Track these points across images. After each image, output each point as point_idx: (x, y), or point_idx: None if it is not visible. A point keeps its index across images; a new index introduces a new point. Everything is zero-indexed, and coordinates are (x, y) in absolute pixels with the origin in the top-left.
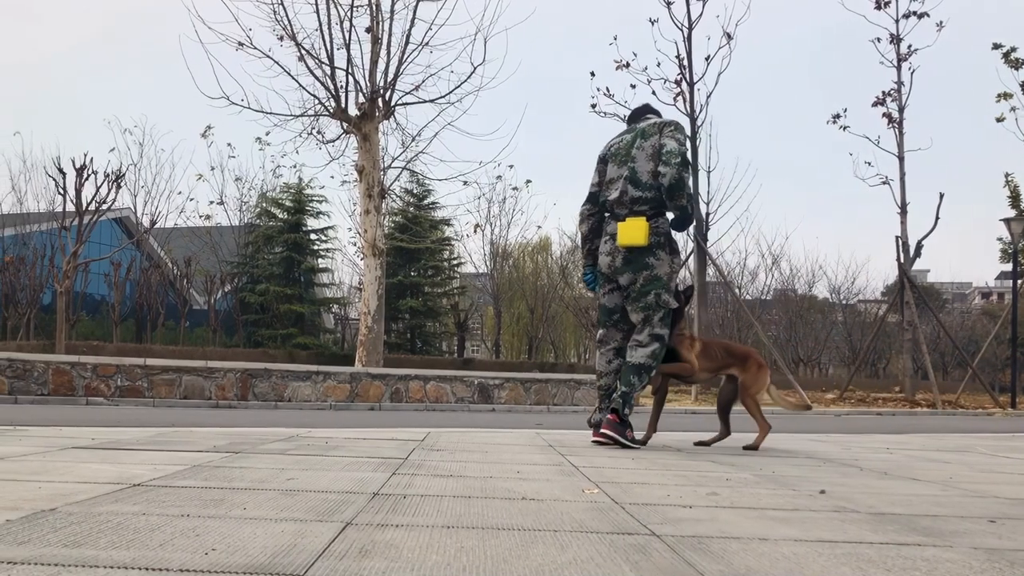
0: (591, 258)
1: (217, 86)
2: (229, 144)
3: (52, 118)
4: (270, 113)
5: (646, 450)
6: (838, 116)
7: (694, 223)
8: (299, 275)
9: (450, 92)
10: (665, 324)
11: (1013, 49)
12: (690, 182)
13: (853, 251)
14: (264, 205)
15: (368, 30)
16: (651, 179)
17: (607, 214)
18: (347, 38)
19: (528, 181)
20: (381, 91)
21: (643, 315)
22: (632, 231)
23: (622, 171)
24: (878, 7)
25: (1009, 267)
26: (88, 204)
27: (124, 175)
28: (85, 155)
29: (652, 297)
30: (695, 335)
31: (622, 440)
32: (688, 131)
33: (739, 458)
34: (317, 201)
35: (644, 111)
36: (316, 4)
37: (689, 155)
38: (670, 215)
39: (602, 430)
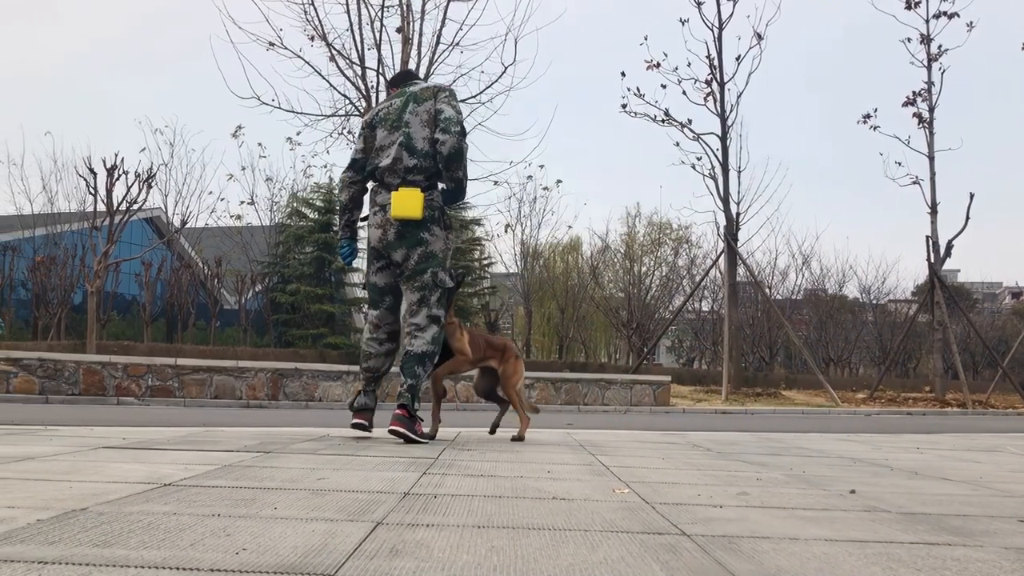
0: (349, 230)
1: (248, 86)
2: (260, 144)
3: (83, 118)
4: (301, 113)
5: (676, 449)
6: (868, 116)
7: (464, 198)
8: (330, 275)
9: (481, 92)
10: (442, 305)
11: None
12: (467, 153)
13: (883, 251)
14: (295, 205)
15: (399, 30)
16: (427, 146)
17: (375, 183)
18: (378, 38)
19: (559, 181)
20: None
21: (419, 295)
22: (406, 202)
23: (395, 136)
24: (908, 7)
25: None
26: (119, 204)
27: (155, 175)
28: (116, 155)
29: (428, 276)
30: (462, 325)
31: (411, 436)
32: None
33: (769, 457)
34: None
35: (408, 75)
36: (347, 4)
37: (466, 124)
38: (442, 186)
39: (392, 426)
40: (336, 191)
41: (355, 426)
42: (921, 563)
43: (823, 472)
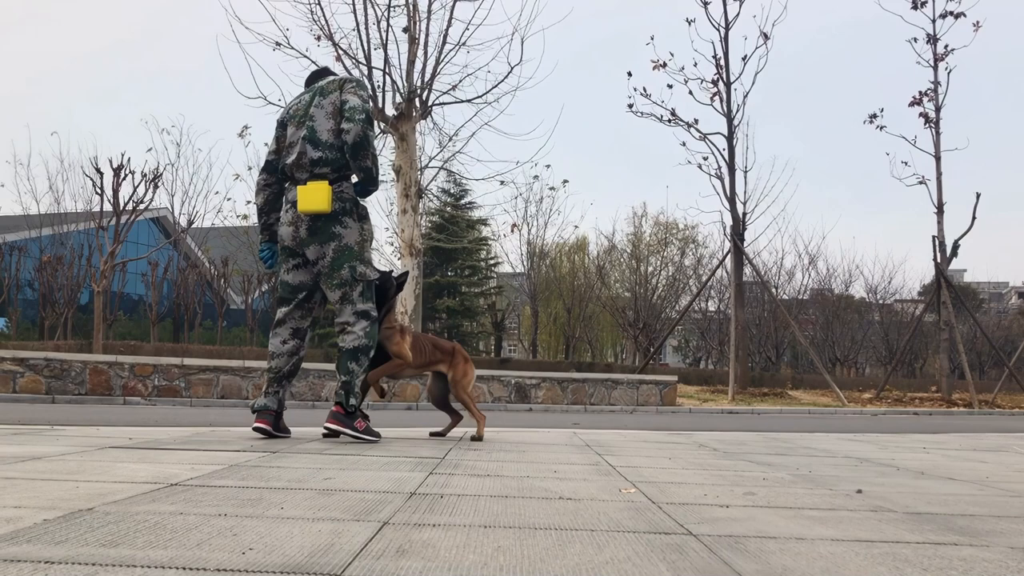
0: (267, 233)
1: (254, 86)
2: (266, 144)
3: (89, 118)
4: None
5: (683, 449)
6: (875, 116)
7: (376, 189)
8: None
9: (487, 92)
10: (367, 299)
11: None
12: (375, 142)
13: (890, 250)
14: None
15: (405, 30)
16: (332, 138)
17: (288, 182)
18: (384, 38)
19: (565, 181)
20: (418, 91)
21: (340, 292)
22: (313, 195)
23: (300, 131)
24: (915, 7)
25: None
26: (125, 204)
27: (161, 175)
28: (122, 155)
29: (347, 271)
30: (405, 326)
31: (352, 432)
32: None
33: (776, 457)
34: None
35: (324, 73)
36: (353, 4)
37: (372, 112)
38: (354, 179)
39: (327, 424)
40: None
41: (256, 430)
42: (927, 563)
43: (829, 472)
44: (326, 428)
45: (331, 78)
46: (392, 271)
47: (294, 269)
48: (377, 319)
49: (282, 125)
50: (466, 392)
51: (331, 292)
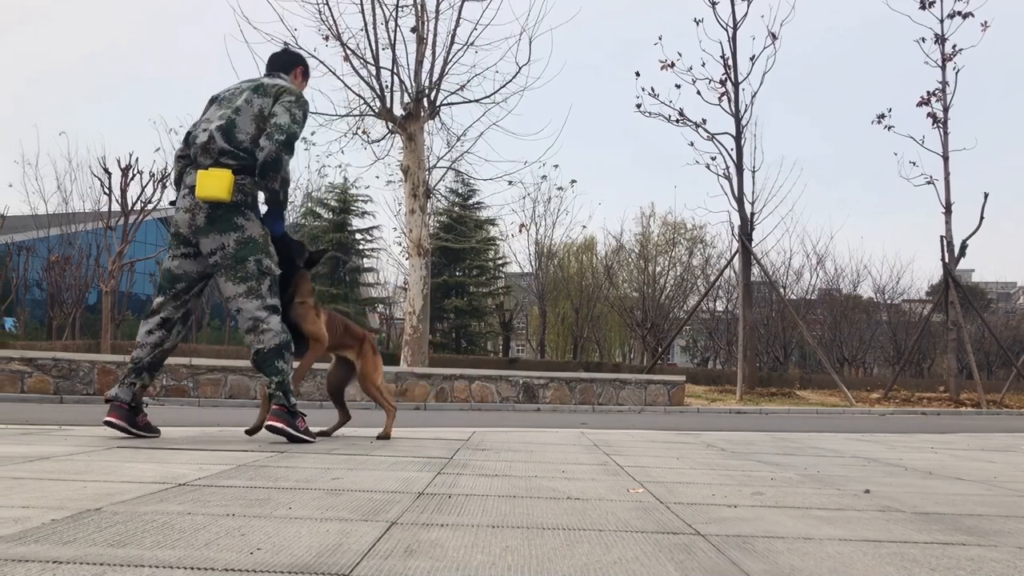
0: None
1: None
2: None
3: (97, 118)
4: (315, 113)
5: (691, 449)
6: (883, 116)
7: (279, 218)
8: (344, 275)
9: (495, 92)
10: (274, 293)
11: None
12: (288, 168)
13: (898, 251)
14: (309, 205)
15: (413, 30)
16: (248, 142)
17: (190, 164)
18: (392, 38)
19: (573, 181)
20: (426, 91)
21: (246, 286)
22: (214, 181)
23: (218, 117)
24: (923, 7)
25: None
26: (134, 204)
27: (170, 175)
28: (131, 155)
29: (252, 265)
30: (318, 304)
31: (292, 432)
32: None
33: (784, 457)
34: (362, 201)
35: (281, 57)
36: (361, 4)
37: (299, 136)
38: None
39: (270, 422)
40: (350, 191)
41: (107, 424)
42: (935, 563)
43: (837, 472)
44: (269, 427)
45: (278, 81)
46: (304, 243)
47: (181, 258)
48: (279, 311)
49: (211, 101)
50: (376, 386)
51: (233, 285)
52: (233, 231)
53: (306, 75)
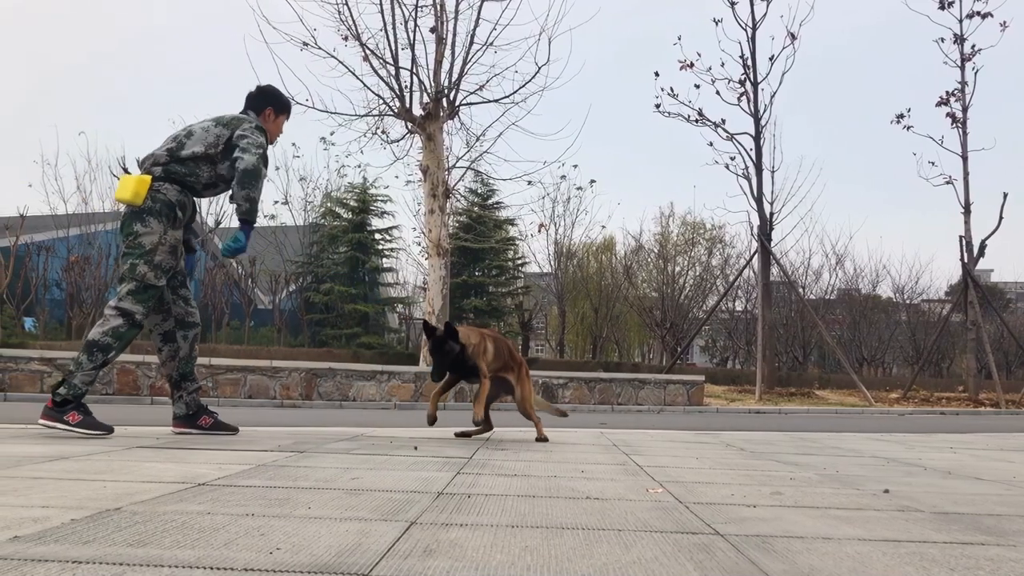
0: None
1: (282, 86)
2: (293, 144)
3: (116, 118)
4: (335, 113)
5: (710, 449)
6: (902, 116)
7: (247, 232)
8: (364, 275)
9: (514, 92)
10: (138, 301)
11: None
12: (264, 179)
13: (917, 250)
14: (329, 205)
15: (432, 30)
16: (190, 157)
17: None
18: (411, 38)
19: (592, 181)
20: (445, 91)
21: (118, 283)
22: (128, 185)
23: (174, 137)
24: (942, 7)
25: None
26: None
27: None
28: None
29: (128, 266)
30: (486, 338)
31: (63, 426)
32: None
33: (803, 457)
34: (382, 201)
35: (257, 101)
36: (381, 4)
37: (265, 155)
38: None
39: (39, 420)
40: (369, 191)
41: (179, 433)
42: (955, 563)
43: (856, 472)
44: (40, 424)
45: (241, 116)
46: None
47: None
48: (139, 327)
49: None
50: (531, 406)
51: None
52: (130, 235)
53: (280, 112)
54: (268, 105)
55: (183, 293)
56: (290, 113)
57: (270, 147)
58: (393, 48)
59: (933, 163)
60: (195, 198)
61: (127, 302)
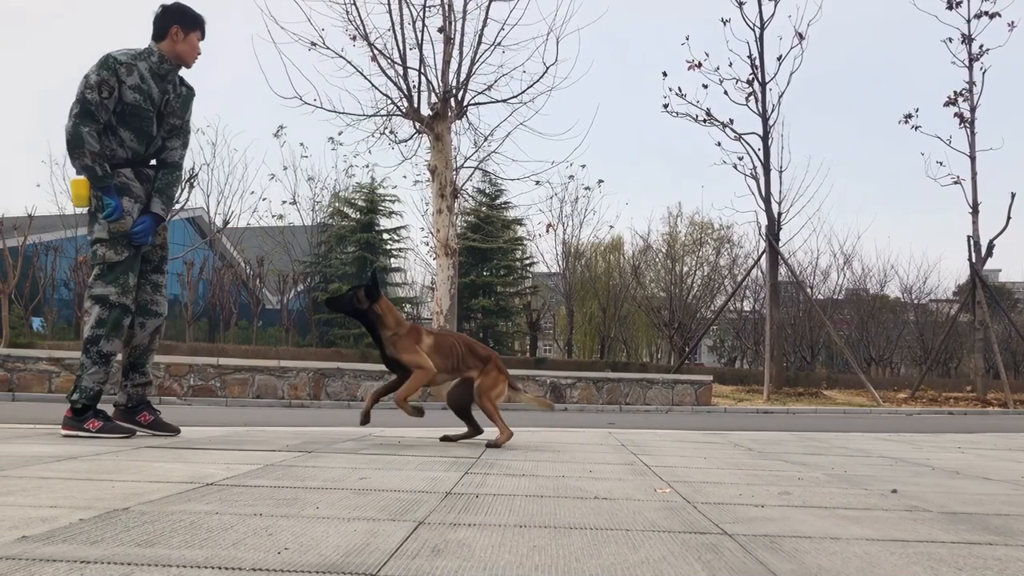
0: None
1: (290, 86)
2: (302, 144)
3: None
4: (343, 113)
5: (718, 448)
6: (910, 116)
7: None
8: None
9: (522, 92)
10: (107, 282)
11: None
12: (89, 137)
13: (925, 250)
14: (337, 205)
15: (440, 30)
16: None
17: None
18: (419, 38)
19: (600, 181)
20: (453, 91)
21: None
22: (74, 191)
23: None
24: (949, 7)
25: None
26: None
27: (197, 175)
28: None
29: (91, 257)
30: (416, 326)
31: (85, 434)
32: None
33: (811, 457)
34: (390, 201)
35: (163, 21)
36: (389, 4)
37: (93, 100)
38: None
39: (62, 431)
40: (377, 190)
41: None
42: (962, 563)
43: (864, 472)
44: (63, 435)
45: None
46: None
47: None
48: (121, 307)
49: None
50: (492, 401)
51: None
52: (90, 234)
53: (190, 28)
54: (173, 23)
55: (153, 279)
56: (204, 30)
57: (189, 69)
58: (401, 48)
59: (941, 163)
60: (138, 168)
61: (97, 287)
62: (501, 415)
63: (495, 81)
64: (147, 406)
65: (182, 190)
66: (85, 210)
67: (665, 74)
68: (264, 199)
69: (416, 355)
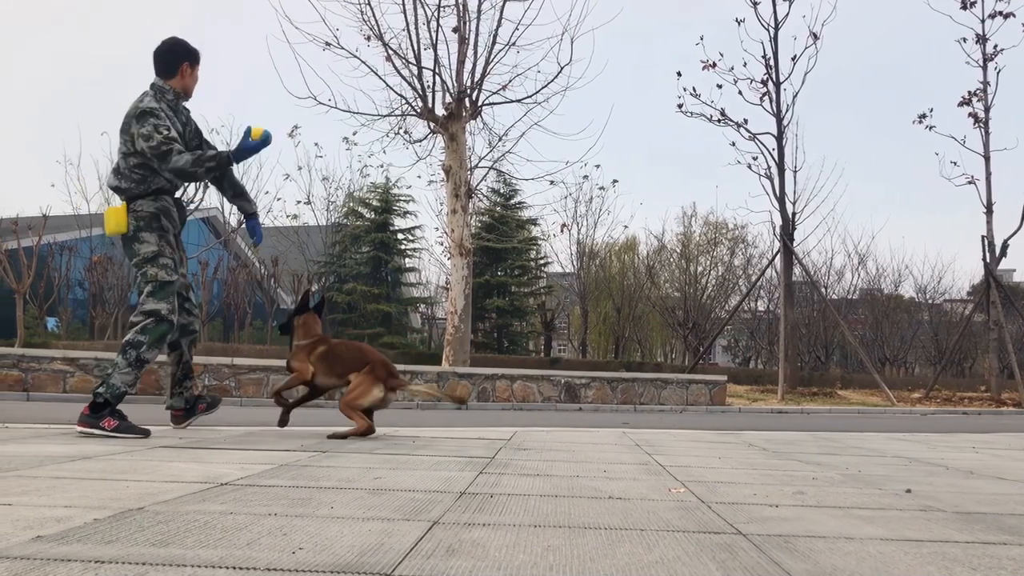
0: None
1: (304, 86)
2: (316, 144)
3: None
4: (357, 113)
5: (732, 448)
6: (924, 116)
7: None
8: (386, 274)
9: (537, 92)
10: (159, 299)
11: None
12: (181, 161)
13: (939, 250)
14: (351, 205)
15: (455, 30)
16: (122, 162)
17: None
18: (434, 38)
19: (615, 181)
20: (468, 91)
21: (139, 296)
22: (111, 218)
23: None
24: (964, 7)
25: None
26: None
27: None
28: None
29: (140, 277)
30: (320, 343)
31: (101, 432)
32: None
33: (825, 457)
34: (404, 201)
35: (172, 58)
36: (403, 4)
37: (158, 144)
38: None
39: (77, 427)
40: (392, 190)
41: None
42: (977, 562)
43: (878, 471)
44: (78, 432)
45: (133, 105)
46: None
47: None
48: (168, 322)
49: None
50: (350, 406)
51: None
52: (133, 256)
53: (195, 63)
54: (183, 61)
55: (188, 306)
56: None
57: (189, 99)
58: (415, 48)
59: (955, 163)
60: (176, 198)
61: (149, 303)
62: (360, 414)
63: (509, 81)
64: (199, 399)
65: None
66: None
67: (680, 74)
68: (279, 199)
69: (296, 362)
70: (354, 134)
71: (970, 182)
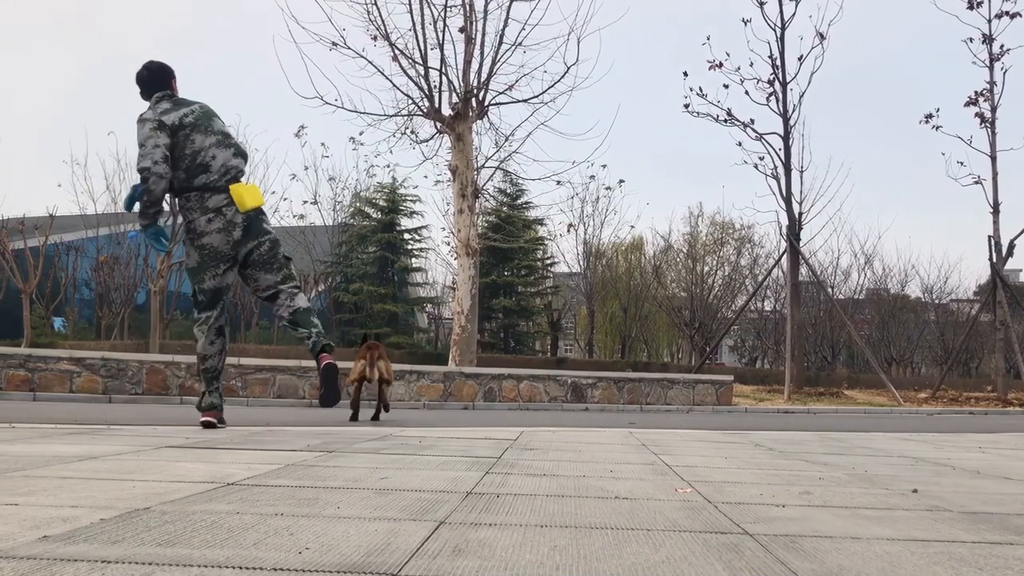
0: (156, 218)
1: (311, 86)
2: (323, 144)
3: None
4: (364, 113)
5: (739, 448)
6: (931, 116)
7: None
8: (393, 274)
9: (543, 92)
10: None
11: None
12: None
13: (946, 250)
14: (358, 205)
15: (461, 30)
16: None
17: (193, 191)
18: (440, 38)
19: (621, 181)
20: (474, 91)
21: (282, 274)
22: (252, 193)
23: (220, 143)
24: (970, 7)
25: None
26: None
27: None
28: None
29: (282, 257)
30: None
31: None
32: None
33: (832, 457)
34: (411, 201)
35: (162, 77)
36: (410, 4)
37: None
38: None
39: (328, 362)
40: (398, 190)
41: (205, 424)
42: (983, 562)
43: (885, 471)
44: (329, 365)
45: (191, 101)
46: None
47: (225, 273)
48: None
49: (181, 128)
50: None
51: (272, 275)
52: (266, 235)
53: (174, 78)
54: (172, 77)
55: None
56: None
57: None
58: (422, 48)
59: (962, 163)
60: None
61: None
62: None
63: (516, 81)
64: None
65: None
66: (246, 214)
67: (686, 74)
68: (285, 199)
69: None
70: (361, 134)
71: (977, 182)
